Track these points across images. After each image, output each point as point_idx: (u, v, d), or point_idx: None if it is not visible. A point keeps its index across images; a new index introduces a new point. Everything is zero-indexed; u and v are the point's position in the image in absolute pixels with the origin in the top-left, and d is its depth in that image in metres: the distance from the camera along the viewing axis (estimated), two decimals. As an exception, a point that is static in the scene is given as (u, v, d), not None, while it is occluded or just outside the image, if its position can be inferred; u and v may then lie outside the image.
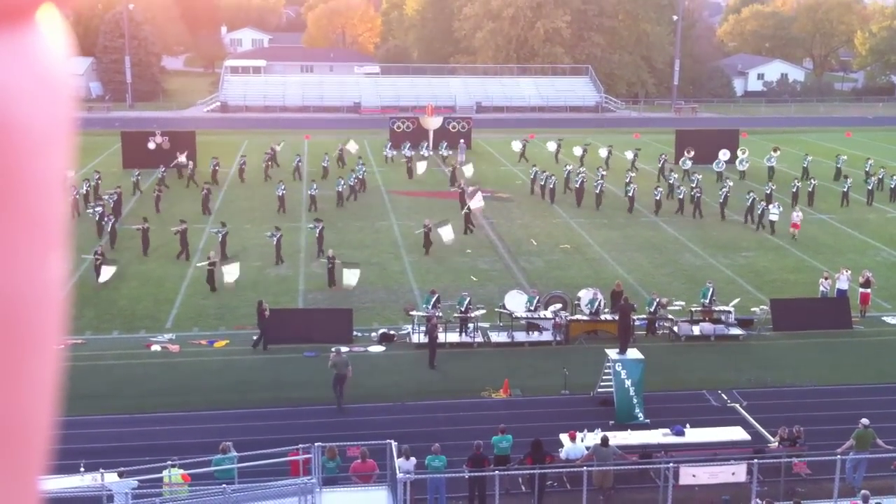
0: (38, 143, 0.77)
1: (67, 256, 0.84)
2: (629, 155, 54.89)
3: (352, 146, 57.03)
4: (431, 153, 58.98)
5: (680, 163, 53.25)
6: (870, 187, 48.48)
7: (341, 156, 55.63)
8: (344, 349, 25.48)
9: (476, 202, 39.86)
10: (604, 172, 49.63)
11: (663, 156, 54.36)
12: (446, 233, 36.82)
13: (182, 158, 51.97)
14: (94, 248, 33.81)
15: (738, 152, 55.11)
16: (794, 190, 46.35)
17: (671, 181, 48.38)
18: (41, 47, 0.79)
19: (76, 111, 0.82)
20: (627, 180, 47.86)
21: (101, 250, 33.46)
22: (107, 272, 32.82)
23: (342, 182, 46.28)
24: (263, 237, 37.81)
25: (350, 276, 32.67)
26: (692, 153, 54.09)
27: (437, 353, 26.47)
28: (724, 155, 54.40)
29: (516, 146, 60.65)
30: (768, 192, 45.28)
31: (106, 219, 38.12)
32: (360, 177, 48.60)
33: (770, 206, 42.32)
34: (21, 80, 0.77)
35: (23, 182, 0.76)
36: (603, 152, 56.65)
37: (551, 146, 59.81)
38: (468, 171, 48.72)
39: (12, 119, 0.75)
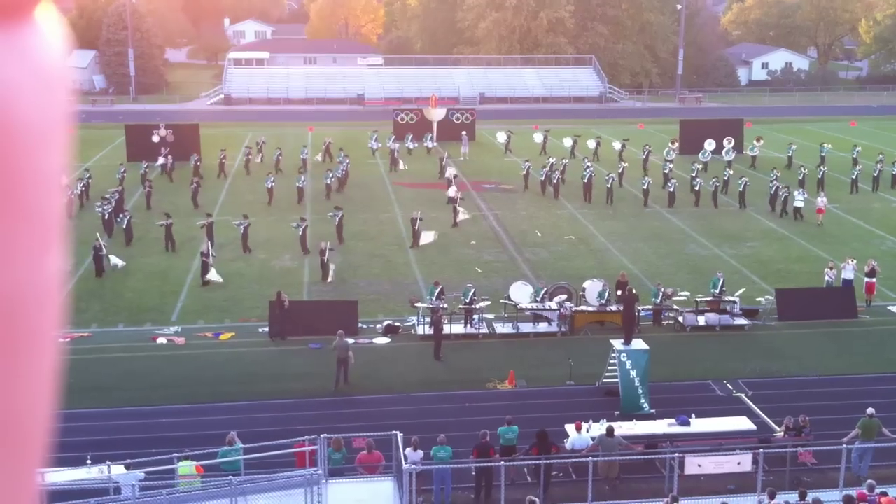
0: (37, 139, 0.77)
1: (66, 253, 0.84)
2: (616, 145, 54.89)
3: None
4: (416, 145, 58.71)
5: (664, 153, 52.97)
6: (875, 174, 48.65)
7: (327, 149, 55.43)
8: (350, 341, 25.62)
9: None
10: (589, 164, 49.50)
11: (647, 146, 54.18)
12: (426, 236, 36.51)
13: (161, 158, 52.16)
14: (101, 242, 33.84)
15: (725, 142, 54.83)
16: (801, 177, 46.54)
17: (666, 171, 48.42)
18: (40, 44, 0.79)
19: (74, 108, 0.82)
20: (620, 171, 47.78)
21: (99, 244, 33.50)
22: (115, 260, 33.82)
23: (330, 175, 46.71)
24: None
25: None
26: (676, 144, 54.07)
27: (443, 345, 26.50)
28: (709, 145, 54.30)
29: (501, 137, 60.48)
30: (773, 178, 45.82)
31: (121, 216, 38.16)
32: (346, 169, 48.63)
33: (795, 193, 42.85)
34: (20, 76, 0.77)
35: (21, 178, 0.77)
36: (591, 143, 56.41)
37: (538, 137, 59.53)
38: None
39: (11, 115, 0.75)
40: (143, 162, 49.55)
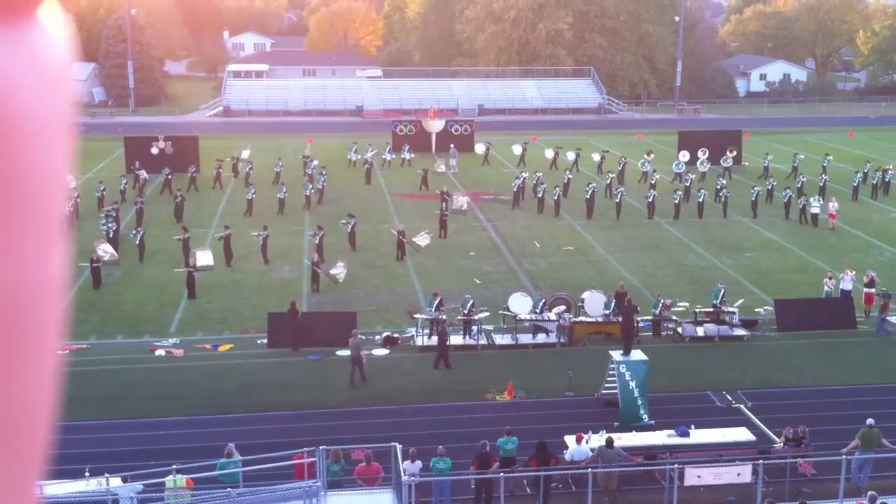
0: (40, 137, 0.77)
1: (68, 254, 0.84)
2: (596, 157, 54.99)
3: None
4: (394, 156, 58.71)
5: (639, 165, 52.95)
6: (874, 182, 49.34)
7: (305, 162, 55.37)
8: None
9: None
10: (569, 176, 49.55)
11: (623, 158, 54.05)
12: (421, 239, 36.41)
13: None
14: (97, 254, 33.80)
15: (699, 153, 54.81)
16: (800, 185, 47.00)
17: (653, 182, 48.49)
18: (43, 43, 0.79)
19: (77, 106, 0.82)
20: (608, 182, 47.73)
21: (96, 256, 33.47)
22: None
23: (310, 186, 47.07)
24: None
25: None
26: (652, 156, 54.21)
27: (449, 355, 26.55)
28: (683, 156, 54.35)
29: (480, 149, 60.41)
30: (770, 187, 47.01)
31: (134, 231, 37.89)
32: (325, 182, 48.67)
33: (811, 200, 43.86)
34: (23, 74, 0.76)
35: (24, 176, 0.76)
36: (571, 155, 56.38)
37: (517, 149, 59.41)
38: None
39: (14, 113, 0.75)
40: (122, 178, 49.33)
